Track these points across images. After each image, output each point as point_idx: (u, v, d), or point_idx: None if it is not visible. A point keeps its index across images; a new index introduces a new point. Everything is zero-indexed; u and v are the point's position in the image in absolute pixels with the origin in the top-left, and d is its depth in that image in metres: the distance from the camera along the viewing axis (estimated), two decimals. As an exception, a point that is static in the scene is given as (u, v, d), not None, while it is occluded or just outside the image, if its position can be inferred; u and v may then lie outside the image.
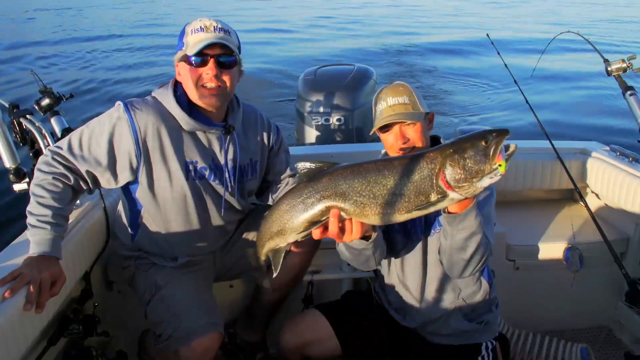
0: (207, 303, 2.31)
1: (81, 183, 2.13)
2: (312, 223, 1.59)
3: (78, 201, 2.45)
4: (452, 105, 10.38)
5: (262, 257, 1.80)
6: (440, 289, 2.13)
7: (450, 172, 1.46)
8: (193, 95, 2.14)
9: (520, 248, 2.96)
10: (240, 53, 2.20)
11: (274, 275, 1.80)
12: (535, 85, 11.05)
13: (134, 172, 2.15)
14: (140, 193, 2.21)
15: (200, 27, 2.09)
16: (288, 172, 2.52)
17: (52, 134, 2.47)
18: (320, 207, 1.56)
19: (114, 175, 2.14)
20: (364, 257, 1.96)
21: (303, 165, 1.63)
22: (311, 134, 4.44)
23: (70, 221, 2.32)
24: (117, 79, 13.10)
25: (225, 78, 2.12)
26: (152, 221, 2.28)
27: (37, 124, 2.44)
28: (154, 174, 2.16)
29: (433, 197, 1.50)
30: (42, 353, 2.12)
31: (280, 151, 2.51)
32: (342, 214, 1.56)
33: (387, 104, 1.99)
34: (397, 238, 2.11)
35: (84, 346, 2.40)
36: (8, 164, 2.45)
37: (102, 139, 2.09)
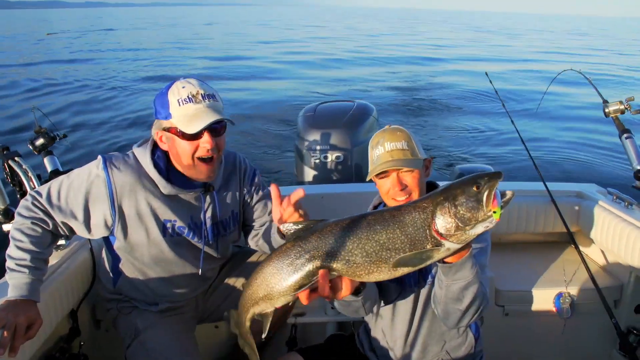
0: (187, 348, 2.30)
1: (59, 229, 2.15)
2: (302, 285, 1.47)
3: (64, 241, 2.49)
4: (449, 143, 10.41)
5: (247, 323, 1.65)
6: (426, 340, 2.08)
7: (442, 221, 1.38)
8: (183, 166, 2.11)
9: (510, 293, 2.91)
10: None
11: (263, 336, 1.63)
12: (533, 123, 11.06)
13: (109, 228, 2.16)
14: (118, 246, 2.23)
15: (188, 96, 2.00)
16: (267, 217, 2.45)
17: (39, 176, 2.51)
18: (309, 268, 1.45)
19: (88, 229, 2.16)
20: (353, 308, 1.93)
21: (287, 228, 1.53)
22: (310, 172, 4.44)
23: (57, 260, 2.37)
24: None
25: (220, 144, 2.09)
26: (131, 271, 2.30)
27: (24, 166, 2.49)
28: (130, 232, 2.16)
29: (428, 249, 1.41)
30: None
31: (259, 197, 2.45)
32: (333, 273, 1.46)
33: (385, 149, 1.93)
34: (391, 287, 2.05)
35: None
36: (-3, 204, 2.50)
37: (79, 194, 2.10)
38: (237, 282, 2.52)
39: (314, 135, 4.44)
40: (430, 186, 2.07)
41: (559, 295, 2.84)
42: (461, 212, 1.36)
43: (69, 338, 2.45)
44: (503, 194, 1.38)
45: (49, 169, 2.68)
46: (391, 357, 2.15)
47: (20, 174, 2.48)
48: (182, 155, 2.06)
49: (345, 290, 1.51)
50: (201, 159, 2.06)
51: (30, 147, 2.69)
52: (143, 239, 2.16)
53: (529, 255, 3.31)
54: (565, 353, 3.00)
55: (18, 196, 2.47)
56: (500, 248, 3.31)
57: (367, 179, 2.02)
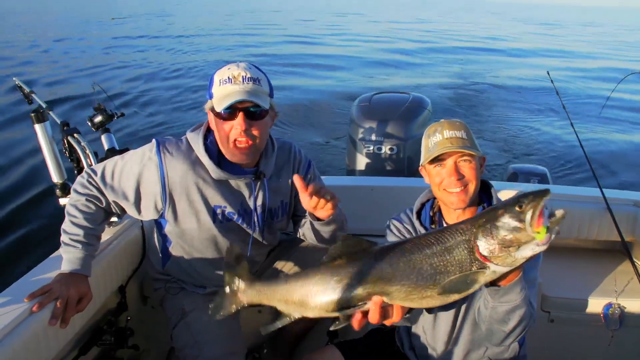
0: (230, 332, 2.33)
1: (112, 207, 2.21)
2: (342, 307, 1.42)
3: (117, 218, 2.54)
4: (502, 141, 10.14)
5: (252, 301, 1.60)
6: (468, 343, 2.01)
7: (484, 243, 1.32)
8: (225, 149, 2.12)
9: (557, 300, 2.80)
10: (272, 96, 2.15)
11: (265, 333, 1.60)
12: (593, 126, 10.61)
13: (159, 212, 2.20)
14: (169, 229, 2.27)
15: (229, 77, 2.02)
16: None
17: (96, 153, 2.56)
18: (359, 292, 1.40)
19: (138, 210, 2.21)
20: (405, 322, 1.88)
21: (332, 251, 1.48)
22: (362, 162, 4.41)
23: (109, 237, 2.43)
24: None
25: (255, 131, 2.06)
26: (180, 254, 2.33)
27: (82, 143, 2.55)
28: (180, 216, 2.19)
29: (473, 271, 1.35)
30: None
31: None
32: (385, 299, 1.41)
33: (444, 136, 1.85)
34: None
35: (115, 357, 2.49)
36: (55, 179, 2.58)
37: (131, 176, 2.15)
38: (284, 268, 2.54)
39: (368, 126, 4.40)
40: (484, 185, 2.00)
41: (609, 305, 2.71)
42: (502, 233, 1.31)
43: (116, 312, 2.51)
44: (552, 214, 1.30)
45: (106, 146, 2.74)
46: (431, 358, 2.09)
47: (79, 150, 2.54)
48: (218, 135, 2.10)
49: (396, 316, 1.45)
50: (235, 145, 2.06)
51: (89, 124, 2.75)
52: (193, 223, 2.19)
53: (579, 262, 3.18)
54: None
55: (75, 172, 2.54)
56: (549, 252, 3.14)
57: (421, 164, 1.96)
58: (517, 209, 1.30)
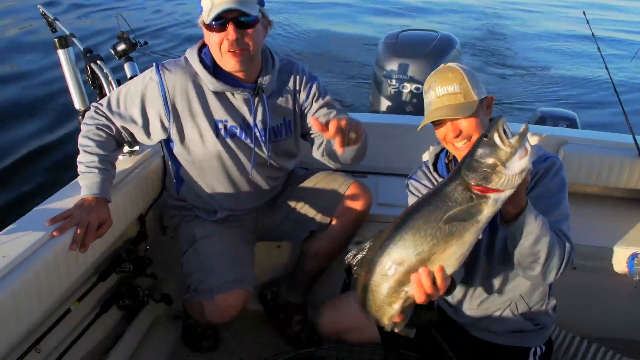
0: (239, 260, 2.36)
1: (122, 135, 2.25)
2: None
3: (137, 147, 2.55)
4: (531, 85, 9.84)
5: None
6: (501, 284, 1.98)
7: (474, 175, 1.39)
8: (218, 59, 2.14)
9: (581, 247, 2.72)
10: (263, 5, 2.13)
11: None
12: (628, 71, 10.22)
13: (166, 130, 2.23)
14: (177, 150, 2.30)
15: None
16: None
17: (119, 81, 2.54)
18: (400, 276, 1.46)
19: (147, 133, 2.25)
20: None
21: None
22: (385, 101, 4.34)
23: (129, 165, 2.45)
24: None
25: (248, 40, 2.05)
26: (191, 176, 2.37)
27: (105, 70, 2.53)
28: (185, 133, 2.23)
29: (475, 203, 1.41)
30: (92, 287, 2.27)
31: (319, 105, 2.37)
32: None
33: (436, 94, 1.78)
34: None
35: (133, 285, 2.55)
36: (78, 105, 2.58)
37: (135, 98, 2.19)
38: (299, 203, 2.53)
39: (394, 64, 4.30)
40: None
41: (634, 255, 2.67)
42: (483, 160, 1.38)
43: (136, 241, 2.56)
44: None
45: (129, 74, 2.71)
46: (462, 301, 2.07)
47: (101, 77, 2.52)
48: (211, 47, 2.11)
49: (440, 282, 1.43)
50: (228, 52, 2.06)
51: (112, 51, 2.72)
52: (197, 138, 2.22)
53: (606, 210, 3.11)
54: (632, 316, 2.86)
55: (98, 99, 2.52)
56: (576, 199, 3.08)
57: (418, 129, 1.88)
58: (484, 139, 1.41)
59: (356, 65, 10.10)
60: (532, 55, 12.17)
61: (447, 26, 13.74)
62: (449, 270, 1.47)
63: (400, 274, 1.45)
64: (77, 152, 2.16)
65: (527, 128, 1.38)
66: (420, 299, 1.44)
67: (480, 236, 1.47)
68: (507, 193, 1.40)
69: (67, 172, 4.62)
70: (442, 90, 1.77)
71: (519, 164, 1.37)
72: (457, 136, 1.78)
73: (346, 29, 13.80)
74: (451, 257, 1.45)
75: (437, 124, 1.82)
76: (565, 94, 9.28)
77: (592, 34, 3.39)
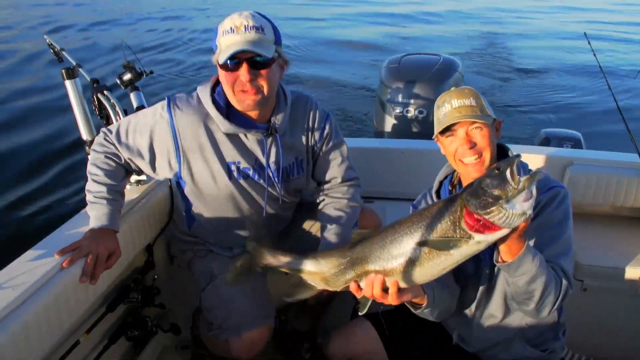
0: (259, 294, 2.35)
1: (130, 165, 2.22)
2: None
3: (145, 177, 2.55)
4: (534, 105, 9.89)
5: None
6: (506, 312, 1.97)
7: (475, 202, 1.40)
8: (231, 99, 2.08)
9: (591, 268, 2.72)
10: (280, 44, 2.06)
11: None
12: (631, 90, 10.24)
13: (173, 171, 2.20)
14: (188, 190, 2.27)
15: (231, 27, 1.95)
16: (337, 169, 2.39)
17: (126, 111, 2.56)
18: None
19: (153, 169, 2.21)
20: (424, 315, 1.87)
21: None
22: (389, 124, 4.36)
23: (137, 195, 2.44)
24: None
25: (262, 81, 2.00)
26: (204, 215, 2.34)
27: (112, 100, 2.54)
28: (196, 174, 2.18)
29: (456, 238, 1.45)
30: (100, 318, 2.25)
31: (328, 149, 2.36)
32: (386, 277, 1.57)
33: (452, 106, 1.82)
34: (468, 265, 1.93)
35: (141, 315, 2.52)
36: (85, 136, 2.59)
37: (144, 133, 2.14)
38: (308, 230, 2.53)
39: (397, 88, 4.32)
40: (501, 149, 1.93)
41: None
42: (489, 190, 1.39)
43: (143, 270, 2.55)
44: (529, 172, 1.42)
45: (135, 104, 2.74)
46: (468, 329, 2.05)
47: (108, 107, 2.54)
48: (224, 86, 2.06)
49: (392, 294, 1.56)
50: (242, 93, 2.02)
51: (118, 81, 2.75)
52: (210, 182, 2.18)
53: (614, 230, 3.09)
54: None
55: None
56: (584, 219, 3.09)
57: (434, 137, 1.92)
58: (495, 171, 1.42)
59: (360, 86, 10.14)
60: (534, 75, 12.25)
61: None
62: (404, 286, 1.57)
63: (359, 272, 1.60)
64: (86, 180, 2.16)
65: (539, 174, 1.40)
66: (368, 296, 1.59)
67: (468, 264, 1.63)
68: (497, 235, 1.42)
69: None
70: (459, 102, 1.82)
71: (521, 206, 1.38)
72: (470, 148, 1.80)
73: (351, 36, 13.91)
74: (413, 277, 1.53)
75: (450, 134, 1.84)
76: (569, 114, 9.30)
77: (594, 53, 3.41)
